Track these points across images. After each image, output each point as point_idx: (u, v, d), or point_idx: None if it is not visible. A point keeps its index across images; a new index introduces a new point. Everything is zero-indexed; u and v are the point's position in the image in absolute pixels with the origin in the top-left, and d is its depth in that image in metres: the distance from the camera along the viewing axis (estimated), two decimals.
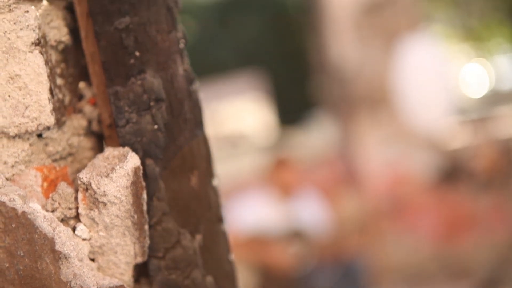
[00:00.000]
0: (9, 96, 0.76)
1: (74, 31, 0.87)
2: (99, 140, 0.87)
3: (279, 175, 4.29)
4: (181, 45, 0.89)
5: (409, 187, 5.28)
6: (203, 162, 0.90)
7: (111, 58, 0.83)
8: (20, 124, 0.77)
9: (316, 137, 6.16)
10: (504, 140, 5.62)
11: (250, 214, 4.11)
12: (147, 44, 0.84)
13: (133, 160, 0.79)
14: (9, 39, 0.76)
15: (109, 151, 0.81)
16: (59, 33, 0.83)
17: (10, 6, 0.76)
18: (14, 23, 0.76)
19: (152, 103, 0.84)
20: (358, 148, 5.35)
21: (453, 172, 5.34)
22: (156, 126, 0.83)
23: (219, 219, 0.92)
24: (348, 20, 5.29)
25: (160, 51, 0.85)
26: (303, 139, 6.26)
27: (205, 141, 0.91)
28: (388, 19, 5.34)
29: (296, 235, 4.09)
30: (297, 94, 7.08)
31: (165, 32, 0.86)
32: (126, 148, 0.81)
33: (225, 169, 5.22)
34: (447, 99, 5.80)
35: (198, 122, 0.90)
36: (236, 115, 7.37)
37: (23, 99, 0.77)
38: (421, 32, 5.56)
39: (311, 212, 4.27)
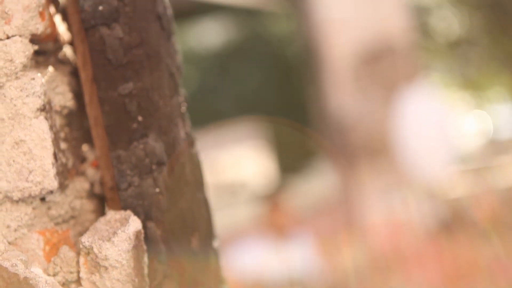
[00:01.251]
0: (13, 161, 0.78)
1: (78, 95, 0.89)
2: (101, 202, 0.88)
3: (273, 217, 4.33)
4: (183, 109, 0.91)
5: (409, 237, 5.26)
6: (203, 224, 0.91)
7: (114, 122, 0.85)
8: (23, 188, 0.78)
9: (316, 186, 6.17)
10: (504, 189, 5.63)
11: (247, 260, 4.12)
12: (149, 109, 0.86)
13: (135, 224, 0.80)
14: (15, 105, 0.78)
15: (111, 214, 0.82)
16: (64, 98, 0.85)
17: (17, 73, 0.78)
18: (21, 90, 0.78)
19: (154, 167, 0.85)
20: (358, 197, 5.35)
21: (453, 222, 5.33)
22: (157, 190, 0.85)
23: (220, 281, 0.92)
24: (347, 71, 5.35)
25: (162, 115, 0.87)
26: (303, 187, 6.26)
27: (206, 203, 0.92)
28: (387, 69, 5.40)
29: (292, 283, 4.07)
30: (297, 142, 7.12)
31: (167, 97, 0.88)
32: (128, 212, 0.82)
33: (225, 217, 5.21)
34: (447, 148, 5.82)
35: (199, 184, 0.91)
36: (236, 163, 7.39)
37: (27, 164, 0.78)
38: (420, 81, 5.61)
39: (305, 255, 4.27)
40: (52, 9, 0.86)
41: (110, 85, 0.85)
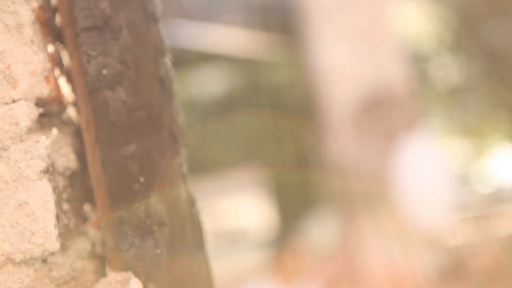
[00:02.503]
0: (16, 223, 0.78)
1: (81, 155, 0.90)
2: (102, 263, 0.89)
3: (282, 265, 4.30)
4: (184, 169, 0.92)
5: (410, 285, 5.22)
6: (204, 284, 0.91)
7: (116, 183, 0.86)
8: (26, 250, 0.78)
9: (317, 233, 6.14)
10: (505, 237, 5.60)
11: None
12: (151, 170, 0.87)
13: (136, 286, 0.80)
14: (19, 168, 0.79)
15: (111, 276, 0.83)
16: (67, 160, 0.86)
17: (22, 136, 0.79)
18: (25, 153, 0.79)
19: (155, 228, 0.86)
20: (359, 245, 5.33)
21: (454, 270, 5.30)
22: (158, 251, 0.85)
23: None
24: (346, 118, 5.38)
25: (164, 176, 0.88)
26: (304, 235, 6.24)
27: (206, 264, 0.93)
28: (386, 117, 5.43)
29: None
30: (298, 190, 7.13)
31: (169, 158, 0.89)
32: (129, 273, 0.83)
33: (225, 265, 5.18)
34: (447, 196, 5.81)
35: (199, 245, 0.92)
36: (237, 210, 7.37)
37: (30, 225, 0.79)
38: (419, 129, 5.64)
39: None
40: (57, 71, 0.88)
41: (112, 146, 0.86)
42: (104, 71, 0.85)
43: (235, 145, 7.76)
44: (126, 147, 0.86)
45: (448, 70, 8.16)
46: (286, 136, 7.57)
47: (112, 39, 0.86)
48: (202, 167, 6.61)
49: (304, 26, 5.63)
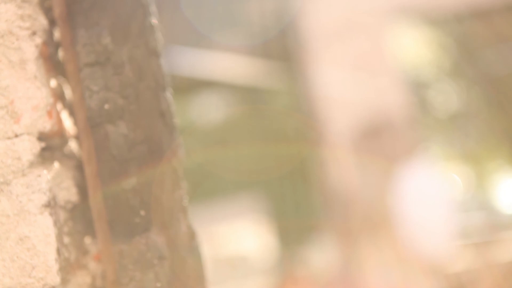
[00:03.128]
0: (17, 257, 0.79)
1: (82, 188, 0.90)
2: None
3: None
4: (184, 202, 0.93)
5: None
6: None
7: (117, 216, 0.87)
8: (26, 284, 0.79)
9: (317, 259, 6.12)
10: (506, 264, 5.58)
11: None
12: (152, 204, 0.88)
13: None
14: (21, 202, 0.79)
15: None
16: (68, 193, 0.87)
17: (24, 171, 0.80)
18: (27, 187, 0.80)
19: (155, 261, 0.86)
20: (359, 272, 5.31)
21: None
22: (159, 284, 0.86)
23: None
24: (347, 144, 5.39)
25: (164, 210, 0.89)
26: (304, 261, 6.22)
27: None
28: (386, 143, 5.44)
29: None
30: (298, 216, 7.12)
31: (169, 191, 0.90)
32: None
33: None
34: (447, 222, 5.81)
35: (200, 277, 0.92)
36: (236, 236, 7.36)
37: (31, 260, 0.79)
38: (419, 155, 5.65)
39: None
40: (59, 105, 0.89)
41: (114, 180, 0.87)
42: (106, 106, 0.86)
43: (235, 171, 7.77)
44: (127, 181, 0.87)
45: (448, 97, 8.19)
46: (286, 162, 7.59)
47: (114, 74, 0.87)
48: (202, 193, 6.61)
49: (304, 53, 5.67)
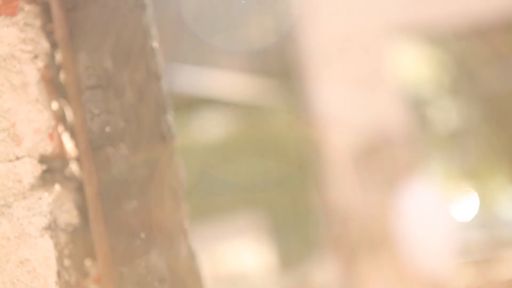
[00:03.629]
0: (17, 280, 0.79)
1: (83, 210, 0.91)
2: None
3: None
4: (185, 224, 0.93)
5: None
6: None
7: (118, 239, 0.87)
8: None
9: (317, 277, 6.10)
10: (507, 282, 5.57)
11: None
12: (152, 226, 0.88)
13: None
14: (21, 224, 0.80)
15: None
16: (69, 216, 0.87)
17: (25, 193, 0.80)
18: (28, 210, 0.80)
19: (156, 284, 0.86)
20: None
21: None
22: None
23: None
24: (346, 162, 5.39)
25: (164, 232, 0.89)
26: (304, 279, 6.20)
27: None
28: (386, 161, 5.44)
29: None
30: (298, 233, 7.11)
31: (170, 213, 0.90)
32: None
33: None
34: (448, 240, 5.80)
35: None
36: (236, 254, 7.34)
37: (31, 282, 0.79)
38: (419, 173, 5.65)
39: None
40: (60, 128, 0.89)
41: (114, 202, 0.87)
42: (107, 129, 0.87)
43: (235, 188, 7.77)
44: (128, 203, 0.87)
45: (448, 114, 8.20)
46: (286, 180, 7.59)
47: (115, 97, 0.88)
48: (202, 210, 6.60)
49: (303, 70, 5.69)
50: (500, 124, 8.08)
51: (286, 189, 7.68)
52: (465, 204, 8.88)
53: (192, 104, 6.60)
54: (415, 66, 7.38)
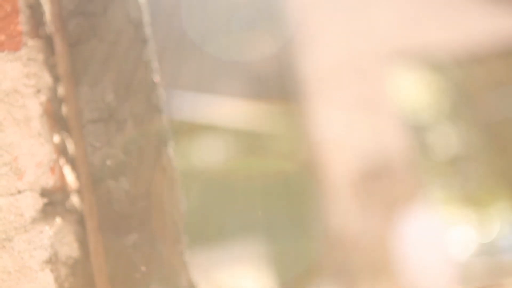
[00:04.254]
0: None
1: (84, 243, 0.91)
2: None
3: None
4: (185, 256, 0.93)
5: None
6: None
7: (118, 272, 0.87)
8: None
9: None
10: None
11: None
12: (152, 259, 0.88)
13: None
14: (22, 258, 0.80)
15: None
16: (70, 249, 0.88)
17: (26, 227, 0.81)
18: (29, 243, 0.80)
19: None
20: None
21: None
22: None
23: None
24: (347, 188, 5.39)
25: (165, 265, 0.89)
26: None
27: None
28: (386, 187, 5.44)
29: None
30: (298, 260, 7.09)
31: (170, 246, 0.91)
32: None
33: None
34: (448, 266, 5.78)
35: None
36: (236, 283, 7.31)
37: None
38: (420, 198, 5.64)
39: None
40: (62, 160, 0.90)
41: (115, 235, 0.87)
42: (108, 162, 0.87)
43: (235, 216, 7.76)
44: (128, 236, 0.87)
45: (447, 140, 8.21)
46: (286, 207, 7.58)
47: (116, 131, 0.88)
48: (203, 238, 6.59)
49: (304, 96, 5.71)
50: (499, 150, 8.09)
51: (286, 214, 7.67)
52: (465, 230, 8.86)
53: (192, 130, 6.62)
54: (415, 92, 7.41)
